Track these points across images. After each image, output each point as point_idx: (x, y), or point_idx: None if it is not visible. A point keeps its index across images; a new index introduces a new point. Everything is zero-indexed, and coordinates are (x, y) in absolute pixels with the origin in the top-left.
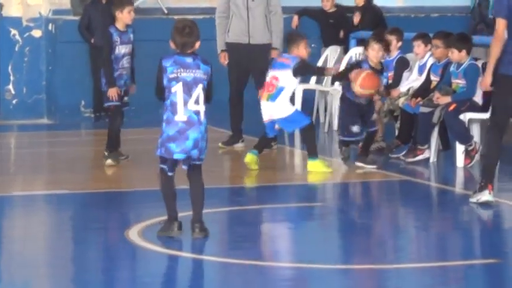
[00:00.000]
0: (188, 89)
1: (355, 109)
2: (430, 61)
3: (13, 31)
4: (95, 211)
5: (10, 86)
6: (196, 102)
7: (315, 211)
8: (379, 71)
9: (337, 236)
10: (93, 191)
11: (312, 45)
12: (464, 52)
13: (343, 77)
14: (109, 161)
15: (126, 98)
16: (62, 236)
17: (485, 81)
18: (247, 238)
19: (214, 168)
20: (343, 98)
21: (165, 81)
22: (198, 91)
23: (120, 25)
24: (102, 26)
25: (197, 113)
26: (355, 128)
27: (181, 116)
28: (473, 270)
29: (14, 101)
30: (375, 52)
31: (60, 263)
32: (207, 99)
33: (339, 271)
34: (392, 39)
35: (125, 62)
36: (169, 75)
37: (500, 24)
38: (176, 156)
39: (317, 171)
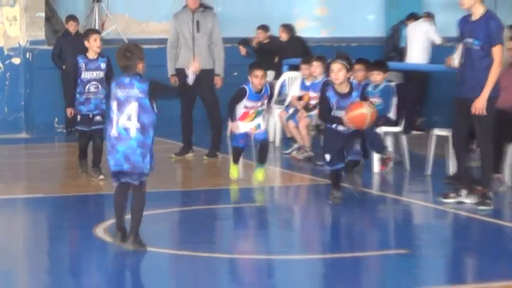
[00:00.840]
0: (120, 106)
1: (334, 137)
2: (353, 84)
3: None
4: (67, 212)
5: None
6: (128, 118)
7: (254, 210)
8: (345, 95)
9: (272, 231)
10: (65, 194)
11: (235, 73)
12: (385, 75)
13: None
14: (101, 176)
15: (98, 117)
16: (38, 233)
17: (482, 105)
18: (196, 234)
19: (167, 175)
20: (325, 129)
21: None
22: (131, 108)
23: (90, 54)
24: (72, 55)
25: (127, 129)
26: (327, 157)
27: (113, 132)
28: (388, 258)
29: None
30: (333, 74)
31: (37, 255)
32: (171, 94)
33: (276, 260)
34: (318, 65)
35: (91, 87)
36: (111, 94)
37: (500, 51)
38: (112, 168)
39: (258, 178)
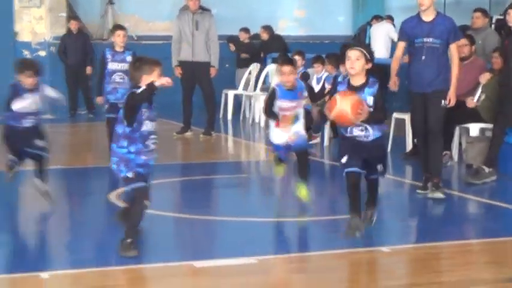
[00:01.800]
0: None
1: (350, 144)
2: (325, 75)
3: (25, 52)
4: (85, 180)
5: None
6: None
7: (242, 180)
8: (358, 88)
9: (258, 197)
10: (82, 166)
11: (226, 65)
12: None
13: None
14: None
15: None
16: (61, 198)
17: (455, 96)
18: (195, 199)
19: (170, 150)
20: (342, 137)
21: None
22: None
23: (116, 47)
24: (74, 51)
25: None
26: (344, 158)
27: None
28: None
29: None
30: (349, 62)
31: (61, 217)
32: (147, 94)
33: (259, 222)
34: (298, 59)
35: (117, 77)
36: None
37: (457, 46)
38: None
39: (301, 195)
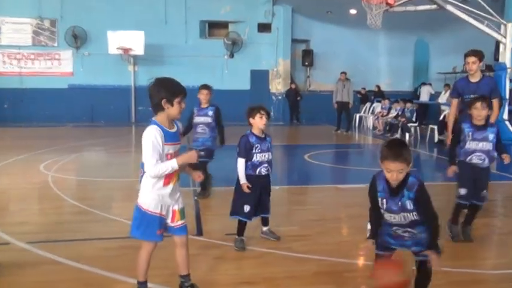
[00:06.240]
0: None
1: (469, 171)
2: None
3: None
4: None
5: None
6: None
7: None
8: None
9: None
10: None
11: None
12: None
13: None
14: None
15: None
16: None
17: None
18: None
19: None
20: (459, 162)
21: None
22: None
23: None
24: None
25: None
26: (462, 191)
27: None
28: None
29: None
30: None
31: None
32: None
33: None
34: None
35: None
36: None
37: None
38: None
39: None
